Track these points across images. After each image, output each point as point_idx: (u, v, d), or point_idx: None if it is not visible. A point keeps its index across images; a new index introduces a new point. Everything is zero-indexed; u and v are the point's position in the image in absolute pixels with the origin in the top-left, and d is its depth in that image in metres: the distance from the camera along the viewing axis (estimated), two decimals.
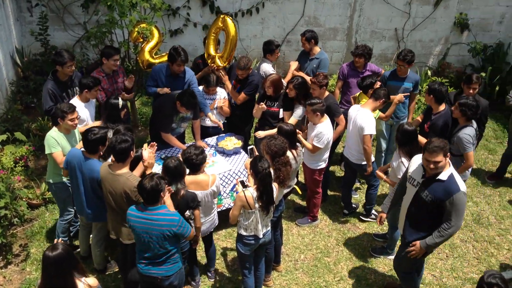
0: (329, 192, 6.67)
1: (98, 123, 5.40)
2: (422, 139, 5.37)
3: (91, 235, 5.13)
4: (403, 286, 4.99)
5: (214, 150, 5.98)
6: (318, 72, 6.29)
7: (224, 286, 5.23)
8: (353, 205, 6.36)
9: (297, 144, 5.14)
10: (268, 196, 4.34)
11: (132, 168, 4.45)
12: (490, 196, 6.85)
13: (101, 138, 4.50)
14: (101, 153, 4.69)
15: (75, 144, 4.98)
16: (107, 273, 5.23)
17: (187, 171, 4.58)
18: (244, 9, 9.06)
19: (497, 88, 8.67)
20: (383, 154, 6.78)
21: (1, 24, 7.62)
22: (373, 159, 5.80)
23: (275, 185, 4.50)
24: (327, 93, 5.94)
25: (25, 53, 8.51)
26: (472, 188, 6.95)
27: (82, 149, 4.60)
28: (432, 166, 4.11)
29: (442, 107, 5.61)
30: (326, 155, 5.60)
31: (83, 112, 5.48)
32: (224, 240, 5.80)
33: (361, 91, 6.17)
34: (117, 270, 5.23)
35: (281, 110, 5.95)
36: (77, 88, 5.82)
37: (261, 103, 5.91)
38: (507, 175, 7.22)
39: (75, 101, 5.50)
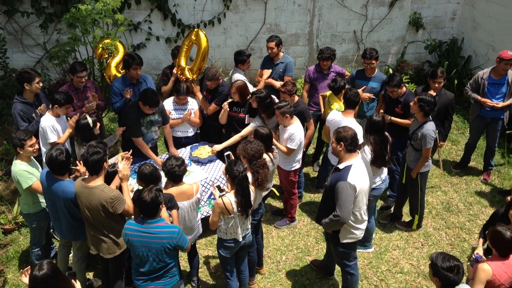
0: (304, 193, 6.78)
1: (66, 135, 5.39)
2: (404, 121, 6.04)
3: (70, 255, 5.05)
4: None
5: (189, 159, 6.00)
6: (286, 79, 6.50)
7: None
8: None
9: (273, 147, 5.23)
10: (246, 200, 4.39)
11: (108, 182, 4.43)
12: (457, 185, 7.12)
13: (69, 156, 4.44)
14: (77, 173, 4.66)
15: (38, 171, 4.90)
16: None
17: (164, 178, 4.60)
18: (206, 20, 9.14)
19: (455, 82, 9.03)
20: None
21: None
22: None
23: (252, 189, 4.57)
24: (297, 98, 6.08)
25: None
26: (440, 178, 7.22)
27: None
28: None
29: (403, 89, 6.15)
30: (300, 155, 5.72)
31: (56, 126, 5.45)
32: (205, 248, 5.81)
33: (331, 92, 6.32)
34: (100, 284, 5.16)
35: (247, 116, 6.04)
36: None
37: (224, 103, 5.99)
38: (471, 163, 7.52)
39: (47, 115, 5.45)
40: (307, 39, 9.70)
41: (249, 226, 4.68)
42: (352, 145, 4.41)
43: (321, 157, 7.23)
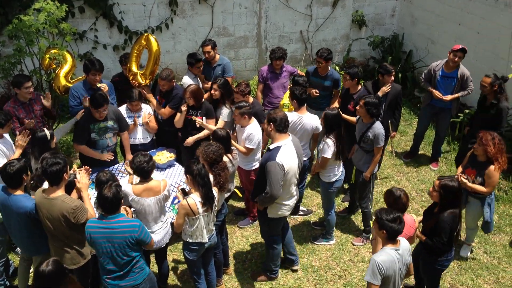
0: None
1: (17, 155, 5.19)
2: (351, 118, 6.07)
3: (31, 270, 4.91)
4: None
5: None
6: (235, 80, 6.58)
7: None
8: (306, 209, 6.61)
9: (232, 148, 5.30)
10: (208, 189, 4.41)
11: (67, 193, 4.35)
12: (408, 173, 7.45)
13: (22, 167, 4.31)
14: (30, 183, 4.53)
15: None
16: None
17: (135, 180, 4.66)
18: (153, 26, 9.08)
19: (400, 76, 9.44)
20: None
21: None
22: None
23: (215, 190, 4.62)
24: (251, 99, 6.17)
25: None
26: (392, 168, 7.53)
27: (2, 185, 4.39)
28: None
29: (359, 86, 6.37)
30: (259, 155, 5.81)
31: (2, 148, 5.22)
32: (170, 254, 5.79)
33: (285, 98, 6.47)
34: None
35: (204, 118, 6.07)
36: None
37: (182, 106, 6.02)
38: (420, 152, 7.89)
39: None
40: (255, 40, 9.83)
41: (213, 228, 4.73)
42: (281, 126, 4.84)
43: None
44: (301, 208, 6.54)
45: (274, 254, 5.30)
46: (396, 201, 4.30)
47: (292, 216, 6.44)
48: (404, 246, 3.96)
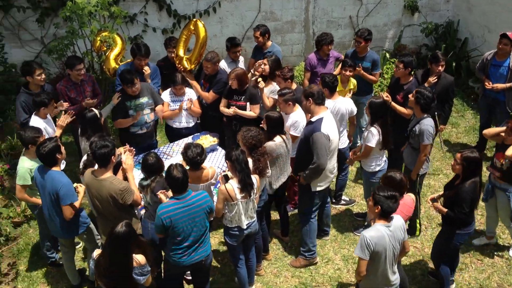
0: None
1: (57, 134, 5.39)
2: (404, 110, 5.89)
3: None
4: None
5: None
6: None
7: (217, 280, 5.33)
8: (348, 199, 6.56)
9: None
10: (246, 175, 4.44)
11: (114, 173, 4.48)
12: None
13: (54, 147, 4.43)
14: (81, 169, 4.69)
15: None
16: None
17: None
18: (201, 10, 9.12)
19: (453, 64, 9.07)
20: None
21: None
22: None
23: (257, 178, 4.62)
24: (294, 85, 6.09)
25: None
26: (441, 161, 7.27)
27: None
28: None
29: (411, 77, 6.10)
30: None
31: (47, 129, 5.42)
32: (212, 236, 5.86)
33: None
34: None
35: (248, 103, 6.06)
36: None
37: (232, 109, 6.04)
38: (472, 144, 7.57)
39: (34, 118, 5.39)
40: (303, 26, 9.69)
41: (254, 215, 4.74)
42: (319, 99, 5.04)
43: None
44: (343, 197, 6.46)
45: (311, 229, 5.34)
46: (399, 185, 4.36)
47: (334, 206, 6.37)
48: (397, 223, 4.02)
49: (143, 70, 6.19)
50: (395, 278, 4.15)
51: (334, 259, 5.59)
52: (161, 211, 4.06)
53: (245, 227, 4.61)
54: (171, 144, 6.23)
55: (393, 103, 5.90)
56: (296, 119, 5.48)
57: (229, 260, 5.30)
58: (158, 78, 6.50)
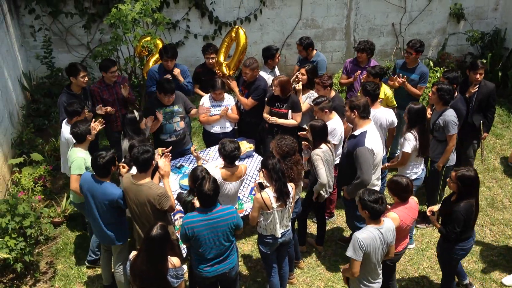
0: None
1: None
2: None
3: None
4: None
5: None
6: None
7: (249, 286, 5.32)
8: None
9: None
10: (282, 184, 4.42)
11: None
12: (501, 180, 6.92)
13: (111, 159, 4.51)
14: (123, 169, 4.78)
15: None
16: None
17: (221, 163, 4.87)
18: (242, 17, 9.20)
19: (499, 74, 8.76)
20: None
21: (7, 51, 7.77)
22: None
23: (291, 185, 4.59)
24: (333, 93, 6.04)
25: (32, 77, 8.66)
26: (484, 174, 7.02)
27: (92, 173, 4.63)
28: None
29: (456, 93, 5.85)
30: (340, 150, 5.67)
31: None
32: (245, 242, 5.88)
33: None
34: None
35: (290, 111, 6.05)
36: (89, 102, 6.08)
37: (272, 118, 6.06)
38: None
39: (65, 127, 5.45)
40: (344, 33, 9.61)
41: (289, 224, 4.71)
42: (364, 112, 4.92)
43: None
44: None
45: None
46: (405, 189, 4.36)
47: None
48: (388, 226, 4.10)
49: (173, 71, 6.33)
50: (379, 278, 4.24)
51: None
52: (186, 221, 4.11)
53: (279, 236, 4.59)
54: (208, 149, 6.30)
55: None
56: (334, 126, 5.43)
57: (262, 267, 5.30)
58: (189, 77, 6.65)
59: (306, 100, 6.16)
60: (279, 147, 4.71)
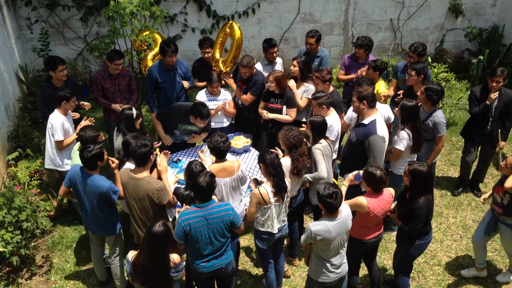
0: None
1: (70, 140, 5.54)
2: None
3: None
4: None
5: None
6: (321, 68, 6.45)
7: (245, 281, 5.34)
8: None
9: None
10: (280, 179, 4.43)
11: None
12: (498, 177, 6.93)
13: (97, 154, 4.47)
14: (117, 162, 4.77)
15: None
16: None
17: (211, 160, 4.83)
18: (240, 11, 9.17)
19: None
20: None
21: (4, 43, 7.73)
22: None
23: (288, 180, 4.60)
24: (331, 88, 6.02)
25: (29, 70, 8.62)
26: (486, 175, 6.99)
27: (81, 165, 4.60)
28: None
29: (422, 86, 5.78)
30: (337, 146, 5.69)
31: (65, 124, 5.53)
32: (241, 237, 5.88)
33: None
34: None
35: (284, 107, 6.04)
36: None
37: (265, 113, 6.06)
38: None
39: (55, 113, 5.50)
40: (342, 28, 9.60)
41: (285, 219, 4.72)
42: (373, 102, 5.09)
43: None
44: None
45: None
46: (378, 181, 4.39)
47: None
48: (345, 217, 4.16)
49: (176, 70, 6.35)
50: (340, 261, 4.28)
51: None
52: (182, 218, 4.09)
53: (276, 231, 4.60)
54: (203, 144, 6.30)
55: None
56: (331, 123, 5.41)
57: (258, 262, 5.31)
58: (189, 71, 6.68)
59: (303, 94, 6.13)
60: (286, 138, 4.72)
